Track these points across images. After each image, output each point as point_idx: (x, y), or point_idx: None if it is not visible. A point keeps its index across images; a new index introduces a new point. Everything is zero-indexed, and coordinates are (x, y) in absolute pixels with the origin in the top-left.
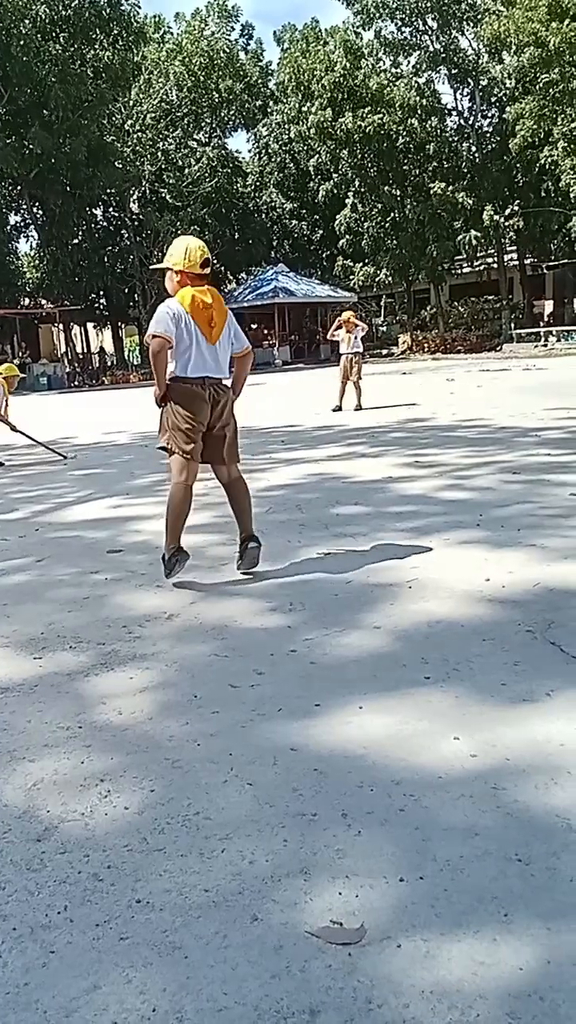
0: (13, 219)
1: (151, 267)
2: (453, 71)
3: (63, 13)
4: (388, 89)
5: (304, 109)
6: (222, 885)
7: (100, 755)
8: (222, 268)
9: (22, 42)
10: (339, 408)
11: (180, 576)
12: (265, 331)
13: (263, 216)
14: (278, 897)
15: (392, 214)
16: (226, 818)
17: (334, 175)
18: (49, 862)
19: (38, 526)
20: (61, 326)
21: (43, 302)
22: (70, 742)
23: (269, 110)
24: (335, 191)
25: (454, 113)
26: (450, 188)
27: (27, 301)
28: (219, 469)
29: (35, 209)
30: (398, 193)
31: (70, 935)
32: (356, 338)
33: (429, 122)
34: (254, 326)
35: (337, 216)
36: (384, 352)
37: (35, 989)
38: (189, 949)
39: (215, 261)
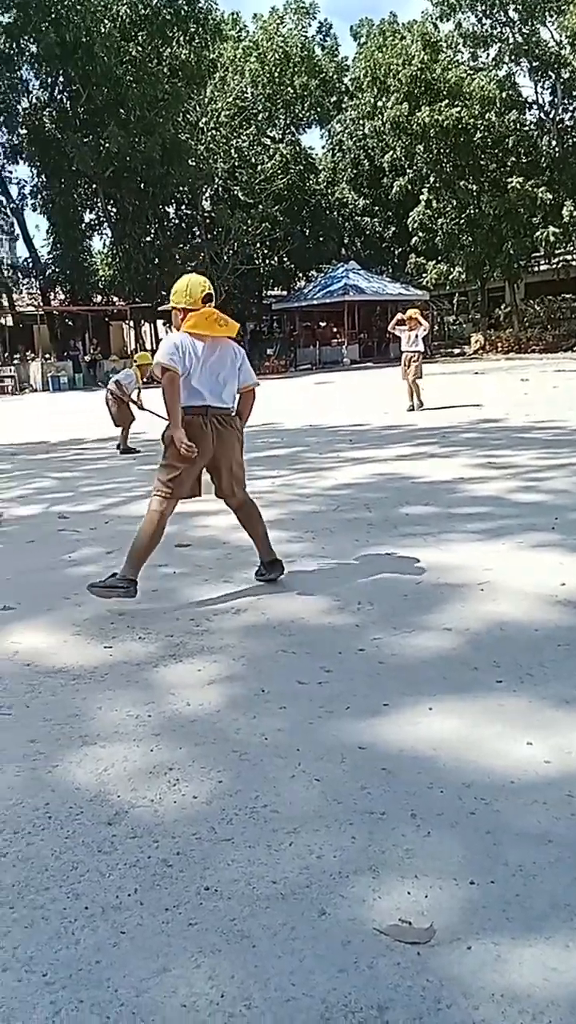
0: (88, 217)
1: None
2: (534, 63)
3: (142, 12)
4: (466, 82)
5: (380, 104)
6: (290, 878)
7: (169, 744)
8: (292, 266)
9: (107, 43)
10: (413, 407)
11: (247, 572)
12: (334, 329)
13: (335, 213)
14: (346, 893)
15: (468, 210)
16: (293, 812)
17: (408, 171)
18: (120, 845)
19: (108, 519)
20: (131, 323)
21: (115, 299)
22: (139, 730)
23: (344, 106)
24: (409, 187)
25: (534, 106)
26: (529, 183)
27: (99, 298)
28: (229, 498)
29: (109, 207)
30: (474, 188)
31: (140, 917)
32: (417, 337)
33: (508, 116)
34: (323, 324)
35: (411, 213)
36: (456, 351)
37: (106, 968)
38: (257, 939)
39: (286, 259)
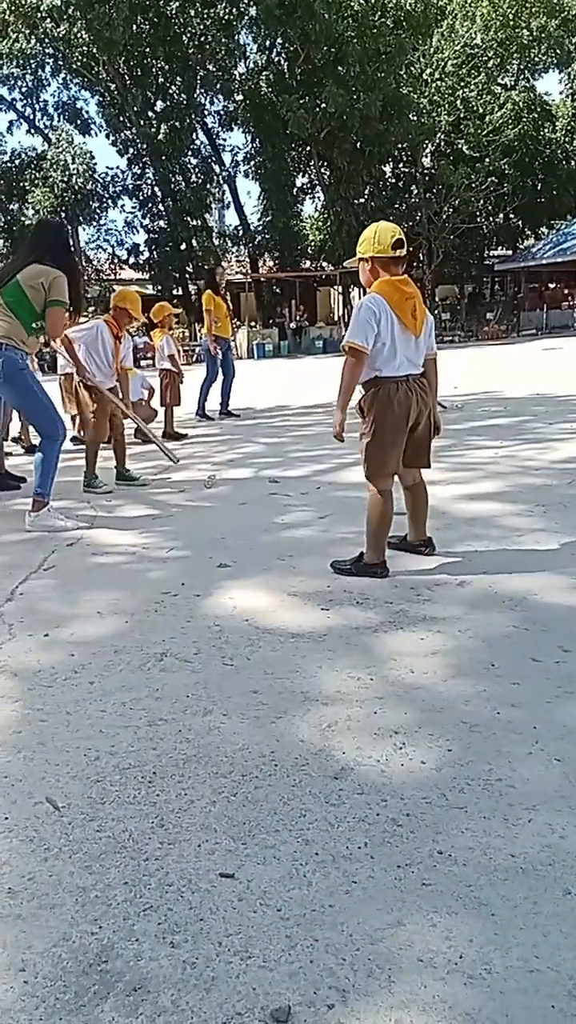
0: (300, 181)
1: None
2: None
3: None
4: None
5: None
6: (530, 854)
7: (393, 708)
8: (519, 223)
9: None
10: None
11: (470, 544)
12: (566, 291)
13: (572, 164)
14: None
15: None
16: (531, 789)
17: None
18: (347, 800)
19: (319, 484)
20: (340, 288)
21: (324, 264)
22: (361, 692)
23: None
24: None
25: None
26: None
27: (308, 264)
28: (407, 472)
29: (322, 169)
30: None
31: (371, 871)
32: None
33: None
34: (552, 285)
35: None
36: None
37: (340, 912)
38: (496, 908)
39: (512, 216)
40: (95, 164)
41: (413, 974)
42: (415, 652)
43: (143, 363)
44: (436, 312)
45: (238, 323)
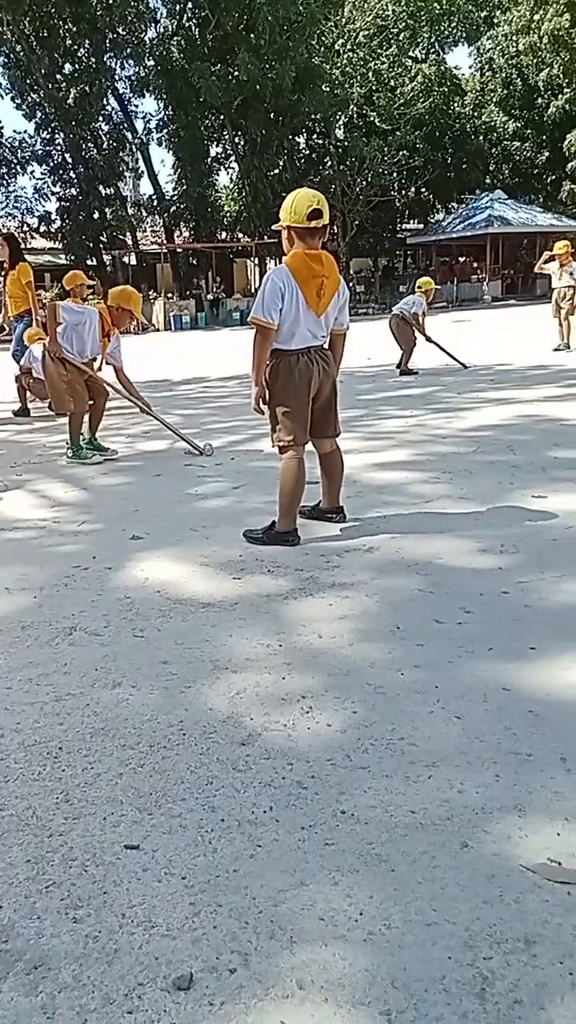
0: (213, 151)
1: (273, 229)
2: None
3: None
4: None
5: (536, 17)
6: (429, 809)
7: (301, 673)
8: (430, 197)
9: None
10: (561, 347)
11: (382, 508)
12: (474, 264)
13: (481, 138)
14: (490, 829)
15: None
16: (432, 747)
17: (567, 90)
18: (254, 765)
19: (233, 455)
20: (256, 260)
21: (240, 235)
22: (271, 658)
23: (495, 21)
24: (567, 107)
25: None
26: None
27: (224, 235)
28: (321, 442)
29: (236, 139)
30: None
31: (276, 833)
32: (571, 274)
33: None
34: (462, 259)
35: (568, 135)
36: None
37: (244, 876)
38: (396, 864)
39: (424, 190)
40: (1, 128)
41: (314, 934)
42: (324, 618)
43: None
44: (351, 284)
45: (155, 295)
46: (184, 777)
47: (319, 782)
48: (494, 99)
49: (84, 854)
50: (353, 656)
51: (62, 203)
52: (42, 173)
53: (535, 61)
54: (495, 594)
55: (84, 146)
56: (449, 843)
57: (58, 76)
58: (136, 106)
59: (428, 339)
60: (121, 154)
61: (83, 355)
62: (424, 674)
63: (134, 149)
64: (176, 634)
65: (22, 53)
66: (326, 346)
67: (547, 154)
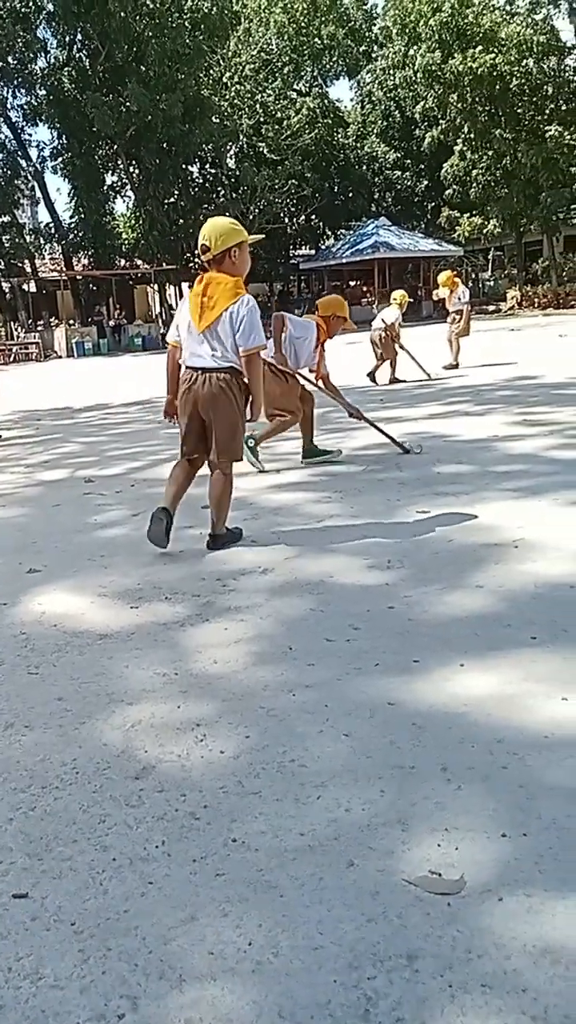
0: (109, 179)
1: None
2: (574, 5)
3: None
4: (501, 27)
5: (410, 53)
6: (317, 830)
7: (196, 701)
8: (320, 224)
9: None
10: (451, 365)
11: (277, 529)
12: (364, 288)
13: (364, 168)
14: (375, 845)
15: (504, 161)
16: (322, 767)
17: (441, 121)
18: (147, 799)
19: (133, 482)
20: (156, 286)
21: (139, 263)
22: (167, 688)
23: (373, 56)
24: (442, 138)
25: (574, 51)
26: (568, 131)
27: (123, 262)
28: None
29: (131, 168)
30: (511, 138)
31: (168, 868)
32: (459, 299)
33: (546, 62)
34: (352, 283)
35: (444, 165)
36: (491, 308)
37: (134, 916)
38: (284, 889)
39: (314, 217)
40: None
41: (204, 969)
42: (219, 643)
43: None
44: None
45: (56, 321)
46: (76, 817)
47: (211, 811)
48: (375, 130)
49: None
50: (247, 680)
51: None
52: None
53: (411, 94)
54: (382, 609)
55: None
56: (336, 863)
57: None
58: (30, 135)
59: (401, 347)
60: (16, 182)
61: (297, 364)
62: (314, 694)
63: (29, 177)
64: (72, 668)
65: None
66: (223, 366)
67: (426, 182)
